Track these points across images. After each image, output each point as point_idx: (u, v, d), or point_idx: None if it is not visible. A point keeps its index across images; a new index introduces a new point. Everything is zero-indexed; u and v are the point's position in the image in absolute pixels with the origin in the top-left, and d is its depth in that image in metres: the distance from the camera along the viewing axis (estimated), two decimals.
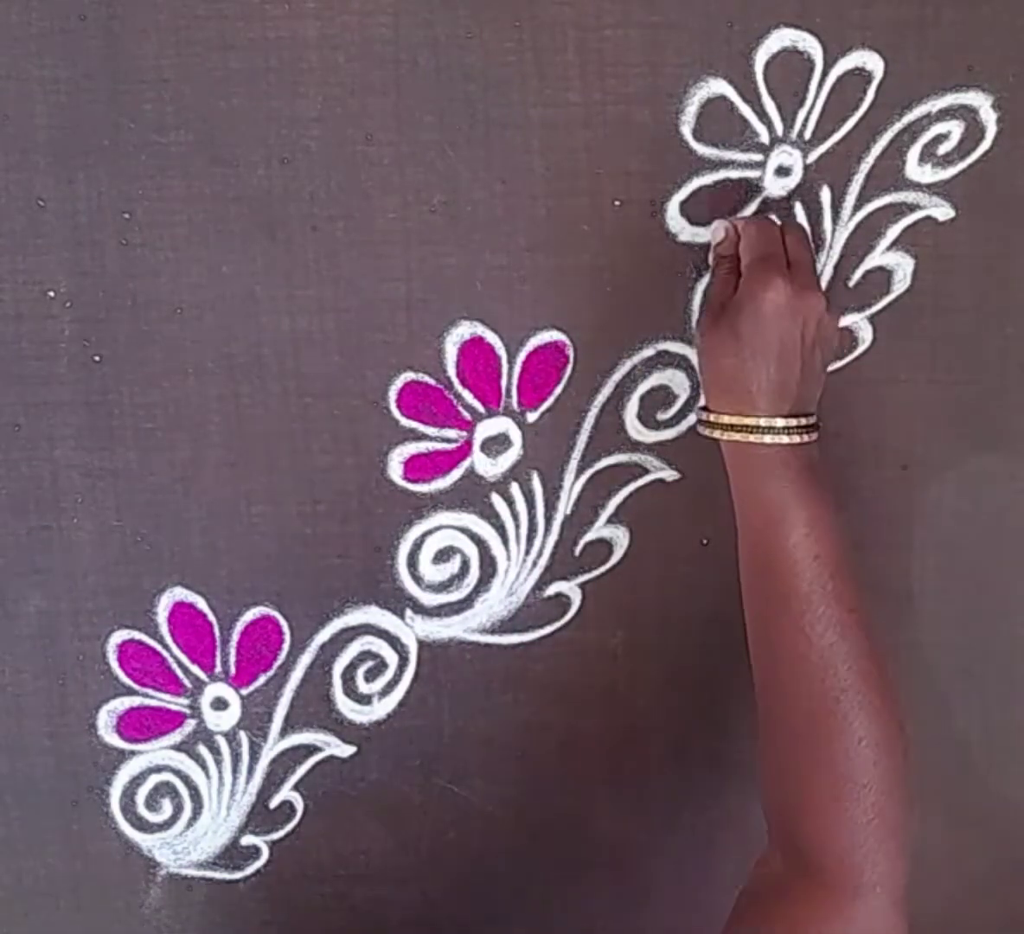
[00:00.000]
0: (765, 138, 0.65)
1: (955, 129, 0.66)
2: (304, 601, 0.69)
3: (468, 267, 0.66)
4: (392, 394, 0.67)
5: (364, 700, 0.71)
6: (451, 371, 0.67)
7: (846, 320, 0.68)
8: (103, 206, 0.64)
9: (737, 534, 0.61)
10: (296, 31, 0.63)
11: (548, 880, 0.75)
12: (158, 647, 0.69)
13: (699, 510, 0.70)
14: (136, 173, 0.64)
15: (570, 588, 0.71)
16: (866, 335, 0.69)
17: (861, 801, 0.55)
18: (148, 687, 0.70)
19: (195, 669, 0.70)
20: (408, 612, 0.70)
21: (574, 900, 0.75)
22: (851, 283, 0.68)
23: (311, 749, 0.71)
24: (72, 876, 0.73)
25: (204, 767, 0.71)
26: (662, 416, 0.69)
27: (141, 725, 0.70)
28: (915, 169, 0.66)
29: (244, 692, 0.70)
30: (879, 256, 0.68)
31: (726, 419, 0.60)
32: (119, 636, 0.69)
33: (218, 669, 0.70)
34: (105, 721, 0.70)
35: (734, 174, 0.65)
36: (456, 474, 0.68)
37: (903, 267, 0.68)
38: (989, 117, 0.66)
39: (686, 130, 0.65)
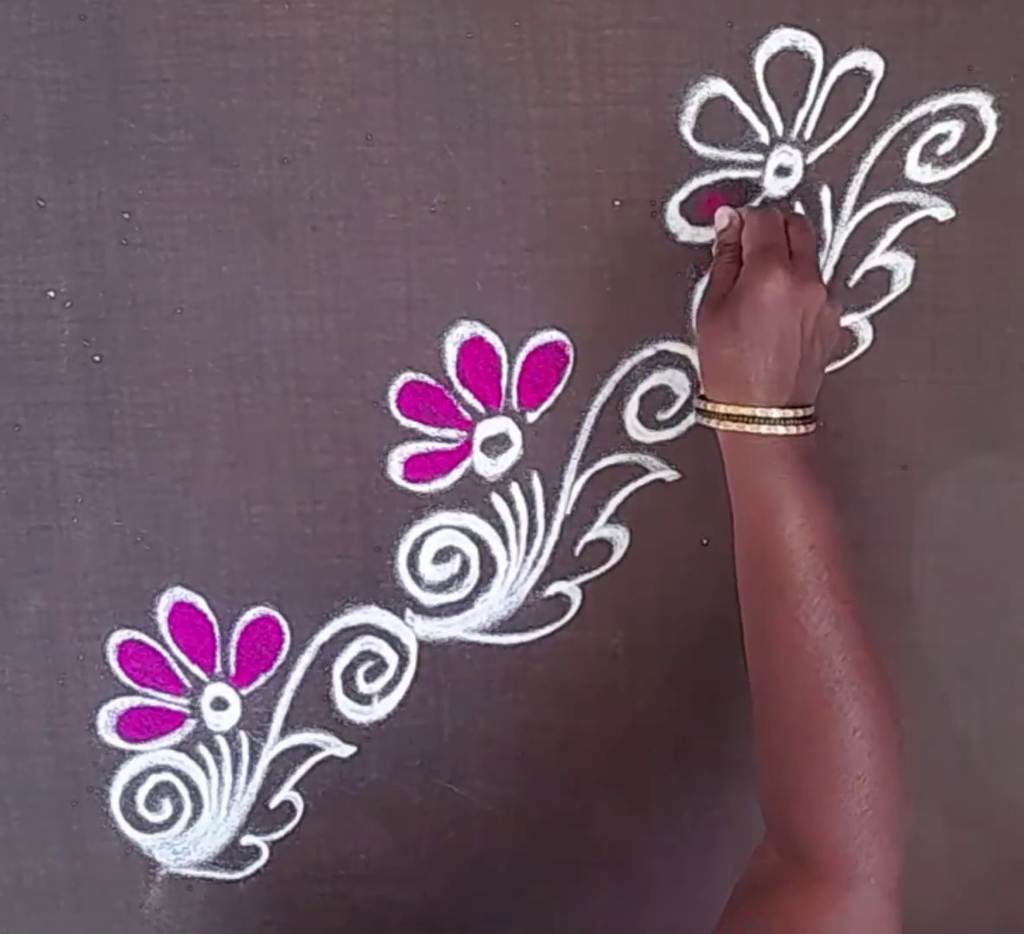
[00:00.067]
0: (765, 138, 0.65)
1: (955, 129, 0.66)
2: (304, 601, 0.69)
3: (468, 267, 0.66)
4: (392, 394, 0.67)
5: (364, 700, 0.71)
6: (451, 371, 0.67)
7: (846, 320, 0.68)
8: (103, 206, 0.65)
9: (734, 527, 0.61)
10: (296, 31, 0.63)
11: (548, 880, 0.75)
12: (158, 647, 0.69)
13: (699, 510, 0.70)
14: (136, 173, 0.64)
15: (570, 588, 0.71)
16: (866, 335, 0.69)
17: (855, 792, 0.55)
18: (148, 687, 0.70)
19: (195, 669, 0.70)
20: (408, 612, 0.70)
21: (574, 900, 0.75)
22: (851, 283, 0.68)
23: (311, 749, 0.71)
24: (72, 876, 0.73)
25: (204, 767, 0.71)
26: (662, 416, 0.69)
27: (141, 725, 0.70)
28: (915, 169, 0.66)
29: (244, 692, 0.70)
30: (879, 256, 0.68)
31: (723, 408, 0.60)
32: (119, 636, 0.69)
33: (218, 669, 0.70)
34: (105, 721, 0.70)
35: (734, 174, 0.65)
36: (456, 474, 0.68)
37: (903, 267, 0.68)
38: (989, 117, 0.66)
39: (686, 130, 0.65)
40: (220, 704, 0.70)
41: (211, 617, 0.69)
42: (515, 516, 0.69)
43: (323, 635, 0.70)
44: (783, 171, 0.66)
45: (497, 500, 0.69)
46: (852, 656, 0.56)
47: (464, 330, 0.67)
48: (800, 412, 0.59)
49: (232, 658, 0.70)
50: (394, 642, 0.70)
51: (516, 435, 0.68)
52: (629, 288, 0.67)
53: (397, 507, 0.69)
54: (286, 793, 0.72)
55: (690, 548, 0.71)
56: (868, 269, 0.68)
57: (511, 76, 0.64)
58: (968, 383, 0.69)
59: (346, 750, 0.71)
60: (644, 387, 0.68)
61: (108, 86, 0.63)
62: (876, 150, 0.66)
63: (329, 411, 0.67)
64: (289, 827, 0.73)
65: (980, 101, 0.65)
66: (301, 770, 0.72)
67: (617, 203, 0.66)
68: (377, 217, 0.65)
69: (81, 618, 0.69)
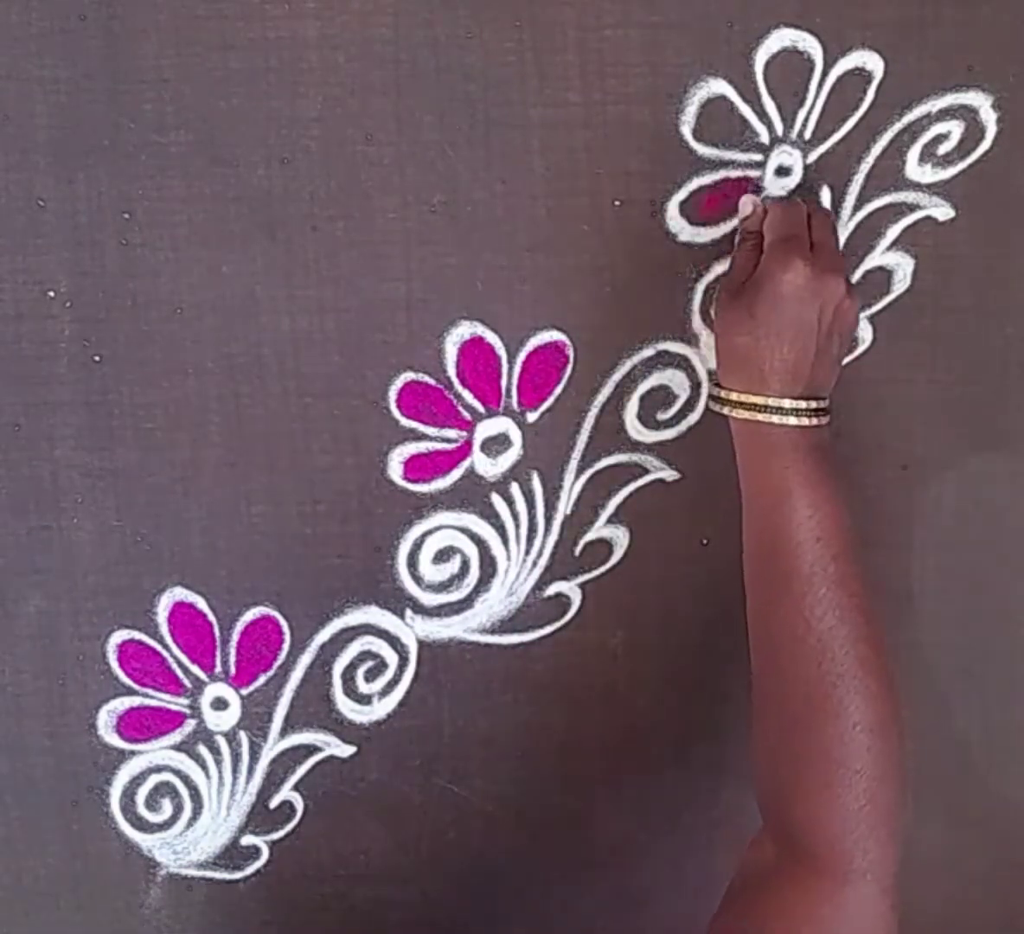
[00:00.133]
0: (765, 138, 0.65)
1: (955, 129, 0.66)
2: (304, 601, 0.69)
3: (468, 267, 0.66)
4: (392, 394, 0.67)
5: (364, 700, 0.71)
6: (451, 371, 0.67)
7: None
8: (103, 206, 0.64)
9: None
10: (296, 31, 0.63)
11: (548, 880, 0.75)
12: (158, 647, 0.69)
13: (699, 510, 0.70)
14: (136, 173, 0.64)
15: (570, 588, 0.71)
16: (866, 335, 0.69)
17: (853, 787, 0.55)
18: (148, 687, 0.70)
19: (195, 669, 0.70)
20: (408, 612, 0.70)
21: (574, 900, 0.75)
22: (851, 283, 0.68)
23: (311, 749, 0.71)
24: (72, 876, 0.73)
25: (204, 767, 0.71)
26: (662, 416, 0.69)
27: (141, 725, 0.70)
28: (915, 169, 0.66)
29: (244, 692, 0.70)
30: (879, 256, 0.68)
31: (736, 396, 0.60)
32: (119, 636, 0.69)
33: (218, 669, 0.70)
34: (105, 721, 0.70)
35: (734, 174, 0.65)
36: (456, 474, 0.68)
37: (903, 267, 0.68)
38: (989, 117, 0.66)
39: (686, 130, 0.65)
40: (220, 704, 0.70)
41: (211, 617, 0.69)
42: (515, 516, 0.69)
43: (323, 635, 0.70)
44: (783, 171, 0.66)
45: (497, 500, 0.69)
46: (855, 650, 0.56)
47: (464, 330, 0.67)
48: (814, 404, 0.59)
49: (232, 658, 0.70)
50: (394, 642, 0.70)
51: (516, 435, 0.68)
52: (629, 288, 0.67)
53: (397, 507, 0.69)
54: (286, 793, 0.72)
55: (690, 548, 0.71)
56: (868, 269, 0.68)
57: (511, 76, 0.64)
58: (968, 383, 0.70)
59: (346, 750, 0.72)
60: (644, 387, 0.68)
61: (108, 86, 0.63)
62: (876, 150, 0.66)
63: (329, 411, 0.67)
64: (289, 827, 0.73)
65: (980, 101, 0.65)
66: (301, 770, 0.72)
67: (617, 203, 0.66)
68: (377, 217, 0.65)
69: (81, 618, 0.69)
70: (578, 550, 0.70)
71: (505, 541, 0.70)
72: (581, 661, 0.72)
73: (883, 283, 0.68)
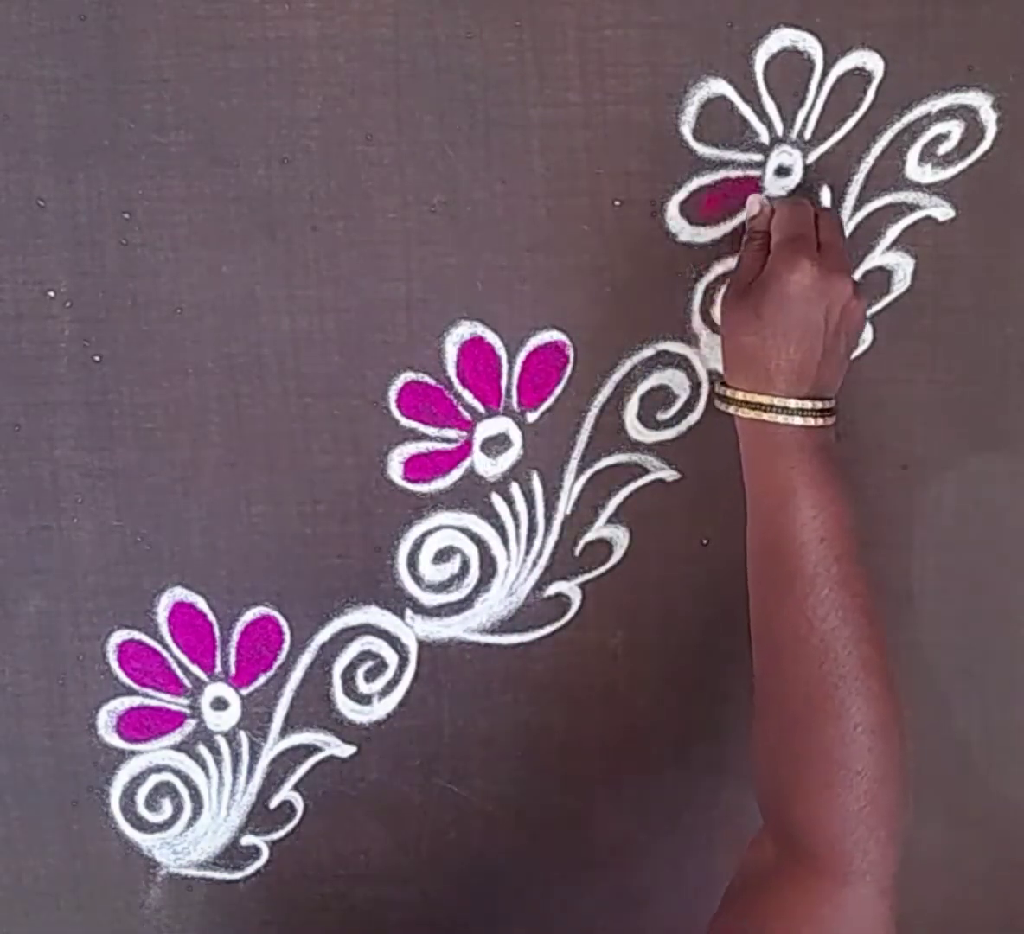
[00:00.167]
0: (765, 138, 0.65)
1: (955, 129, 0.66)
2: (304, 601, 0.69)
3: (468, 267, 0.66)
4: (392, 394, 0.67)
5: (364, 700, 0.71)
6: (451, 371, 0.67)
7: None
8: (103, 206, 0.64)
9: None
10: (296, 31, 0.63)
11: (548, 880, 0.75)
12: (158, 647, 0.69)
13: (699, 510, 0.70)
14: (136, 173, 0.64)
15: (570, 588, 0.71)
16: (866, 335, 0.69)
17: (854, 788, 0.55)
18: (148, 687, 0.70)
19: (195, 669, 0.70)
20: (408, 612, 0.70)
21: (574, 900, 0.75)
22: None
23: (311, 749, 0.71)
24: (72, 876, 0.73)
25: (204, 767, 0.71)
26: (662, 416, 0.69)
27: (141, 725, 0.70)
28: (915, 169, 0.66)
29: (244, 692, 0.70)
30: (879, 256, 0.68)
31: (741, 395, 0.60)
32: (119, 636, 0.69)
33: (218, 669, 0.70)
34: (105, 721, 0.70)
35: (734, 174, 0.65)
36: (456, 474, 0.68)
37: (903, 267, 0.68)
38: (989, 117, 0.66)
39: (686, 130, 0.65)
40: (220, 704, 0.70)
41: (211, 617, 0.69)
42: (515, 516, 0.69)
43: (323, 635, 0.70)
44: (783, 171, 0.66)
45: (497, 500, 0.69)
46: (858, 651, 0.56)
47: (464, 330, 0.67)
48: (819, 404, 0.59)
49: (232, 658, 0.70)
50: (394, 642, 0.70)
51: (516, 435, 0.68)
52: (629, 288, 0.67)
53: (397, 507, 0.69)
54: (286, 793, 0.72)
55: (690, 548, 0.71)
56: (868, 269, 0.68)
57: (511, 76, 0.64)
58: (968, 383, 0.70)
59: (346, 750, 0.71)
60: (644, 387, 0.68)
61: (108, 86, 0.63)
62: (876, 150, 0.66)
63: (329, 411, 0.67)
64: (289, 827, 0.73)
65: (980, 101, 0.65)
66: (301, 770, 0.72)
67: (617, 203, 0.66)
68: (377, 217, 0.65)
69: (81, 618, 0.69)
70: (578, 550, 0.70)
71: (505, 541, 0.70)
72: (581, 661, 0.72)
73: (883, 283, 0.68)
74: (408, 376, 0.67)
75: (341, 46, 0.63)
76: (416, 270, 0.66)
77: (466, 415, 0.68)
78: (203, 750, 0.71)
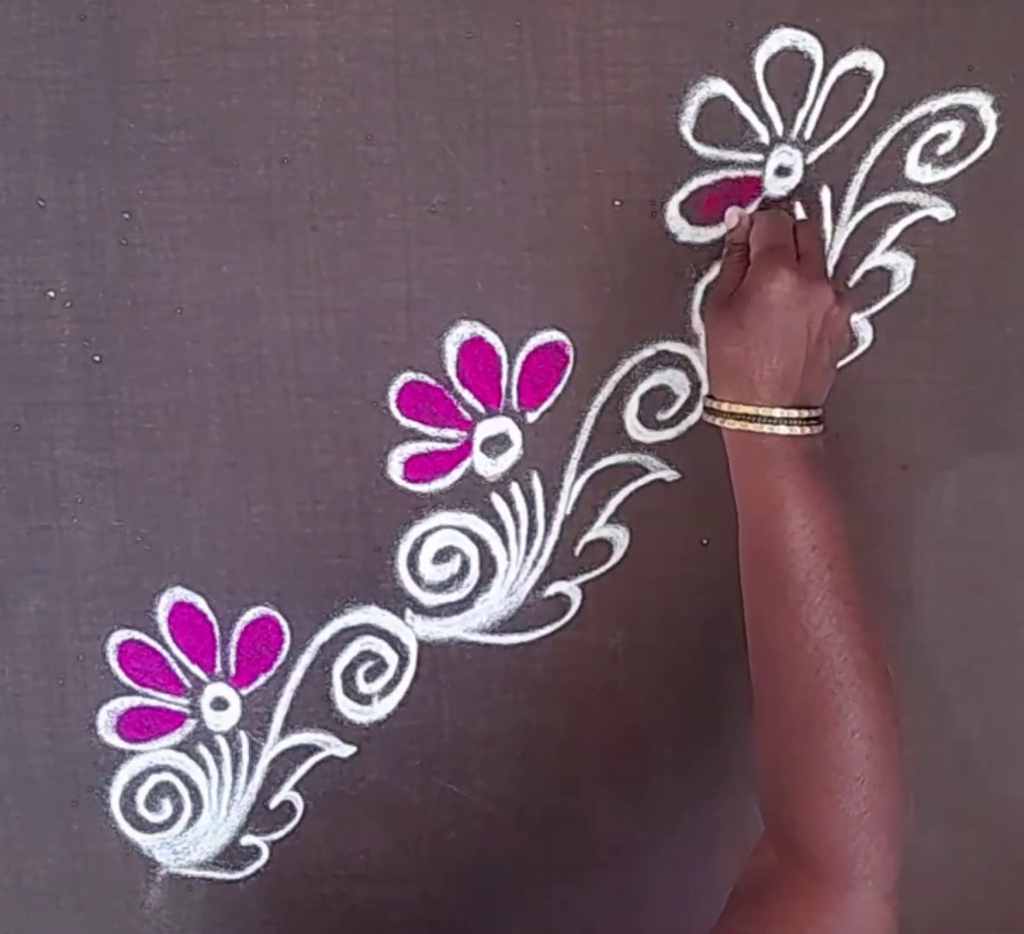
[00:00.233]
0: (765, 138, 0.65)
1: (955, 129, 0.66)
2: (304, 601, 0.69)
3: (468, 267, 0.66)
4: (392, 394, 0.67)
5: (364, 700, 0.71)
6: (451, 371, 0.67)
7: None
8: (103, 206, 0.65)
9: (737, 532, 0.61)
10: (296, 31, 0.63)
11: (548, 880, 0.75)
12: (158, 647, 0.69)
13: (699, 510, 0.70)
14: (136, 173, 0.64)
15: (570, 588, 0.71)
16: (866, 335, 0.69)
17: (854, 794, 0.55)
18: (148, 687, 0.70)
19: (195, 669, 0.70)
20: (408, 612, 0.70)
21: (574, 900, 0.75)
22: (851, 283, 0.68)
23: (311, 749, 0.71)
24: (72, 876, 0.73)
25: (204, 767, 0.71)
26: (662, 416, 0.69)
27: (141, 725, 0.70)
28: (915, 169, 0.66)
29: (244, 692, 0.70)
30: (879, 256, 0.68)
31: (727, 406, 0.60)
32: (119, 636, 0.69)
33: (218, 669, 0.70)
34: (105, 721, 0.70)
35: (734, 174, 0.65)
36: (456, 474, 0.68)
37: (903, 267, 0.68)
38: (989, 117, 0.66)
39: (686, 130, 0.65)
40: (220, 704, 0.70)
41: (211, 617, 0.69)
42: (515, 516, 0.69)
43: (323, 635, 0.70)
44: (783, 171, 0.66)
45: (497, 500, 0.69)
46: (853, 657, 0.56)
47: (464, 330, 0.67)
48: (805, 413, 0.59)
49: (232, 658, 0.70)
50: (394, 642, 0.70)
51: (516, 435, 0.68)
52: (629, 288, 0.67)
53: (397, 507, 0.69)
54: (286, 793, 0.72)
55: (690, 548, 0.71)
56: (868, 269, 0.68)
57: (511, 76, 0.64)
58: (968, 383, 0.69)
59: (346, 750, 0.72)
60: (644, 387, 0.68)
61: (108, 86, 0.63)
62: (876, 150, 0.66)
63: (329, 411, 0.67)
64: (289, 827, 0.73)
65: (980, 101, 0.65)
66: (301, 770, 0.72)
67: (617, 203, 0.66)
68: (377, 217, 0.65)
69: (81, 618, 0.69)
70: (578, 550, 0.70)
71: (505, 541, 0.70)
72: (581, 661, 0.72)
73: (883, 283, 0.68)
74: (408, 376, 0.67)
75: (341, 46, 0.63)
76: (416, 270, 0.66)
77: (466, 415, 0.68)
78: (203, 750, 0.71)
